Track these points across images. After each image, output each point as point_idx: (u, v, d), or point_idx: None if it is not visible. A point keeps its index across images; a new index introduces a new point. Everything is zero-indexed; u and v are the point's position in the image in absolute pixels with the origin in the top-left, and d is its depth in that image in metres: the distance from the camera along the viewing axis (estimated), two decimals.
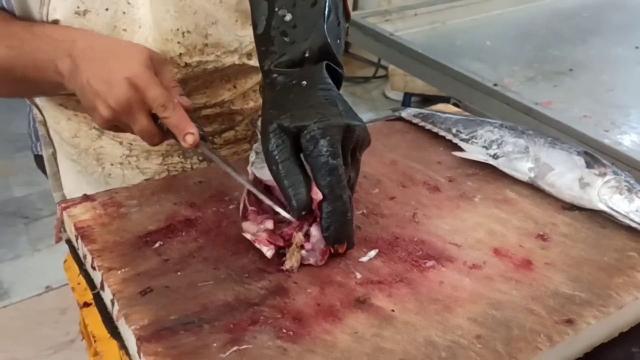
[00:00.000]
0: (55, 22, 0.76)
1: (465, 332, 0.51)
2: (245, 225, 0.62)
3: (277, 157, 0.59)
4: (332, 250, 0.60)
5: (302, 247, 0.59)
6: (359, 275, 0.58)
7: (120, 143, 0.87)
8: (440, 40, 1.59)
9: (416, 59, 1.42)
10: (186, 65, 0.81)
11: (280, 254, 0.59)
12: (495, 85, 1.27)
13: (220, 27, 0.82)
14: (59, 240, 0.69)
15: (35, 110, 0.90)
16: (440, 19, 1.68)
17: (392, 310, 0.54)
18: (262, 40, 0.66)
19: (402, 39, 1.49)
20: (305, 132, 0.58)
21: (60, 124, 0.89)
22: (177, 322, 0.52)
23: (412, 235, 0.64)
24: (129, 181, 0.88)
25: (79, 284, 0.65)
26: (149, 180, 0.82)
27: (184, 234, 0.63)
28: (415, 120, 0.85)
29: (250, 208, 0.63)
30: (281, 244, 0.59)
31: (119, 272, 0.58)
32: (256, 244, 0.59)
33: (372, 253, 0.61)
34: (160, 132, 0.68)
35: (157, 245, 0.62)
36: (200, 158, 0.91)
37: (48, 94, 0.85)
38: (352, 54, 3.19)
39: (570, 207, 0.67)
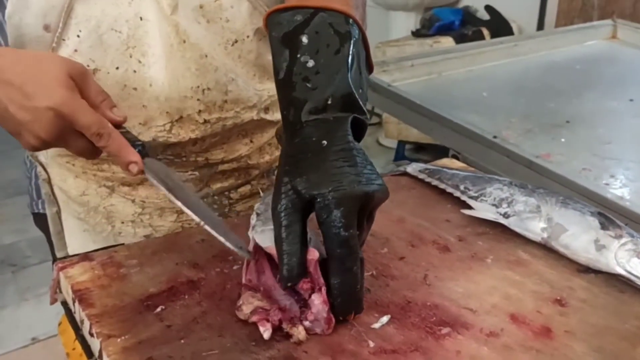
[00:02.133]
0: None
1: None
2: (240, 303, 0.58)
3: (283, 219, 0.57)
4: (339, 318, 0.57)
5: (304, 318, 0.57)
6: (371, 344, 0.55)
7: (133, 201, 0.85)
8: (437, 91, 1.60)
9: (414, 110, 1.42)
10: (205, 122, 0.79)
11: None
12: (494, 137, 1.27)
13: (240, 82, 0.81)
14: (54, 301, 0.66)
15: (39, 168, 0.88)
16: (436, 70, 1.70)
17: None
18: (284, 86, 0.63)
19: (399, 89, 1.49)
20: (319, 199, 0.56)
21: (67, 181, 0.86)
22: None
23: (424, 299, 0.61)
24: (138, 239, 0.86)
25: (74, 349, 0.61)
26: (150, 239, 0.79)
27: (186, 297, 0.61)
28: (421, 176, 0.84)
29: (245, 280, 0.60)
30: (276, 323, 0.56)
31: (119, 339, 0.54)
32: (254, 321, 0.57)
33: (385, 319, 0.59)
34: (99, 153, 0.65)
35: (159, 309, 0.59)
36: (216, 213, 0.88)
37: None
38: None
39: (586, 270, 0.65)
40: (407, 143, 2.67)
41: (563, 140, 1.33)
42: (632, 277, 0.62)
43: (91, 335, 0.56)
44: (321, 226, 0.56)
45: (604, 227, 0.66)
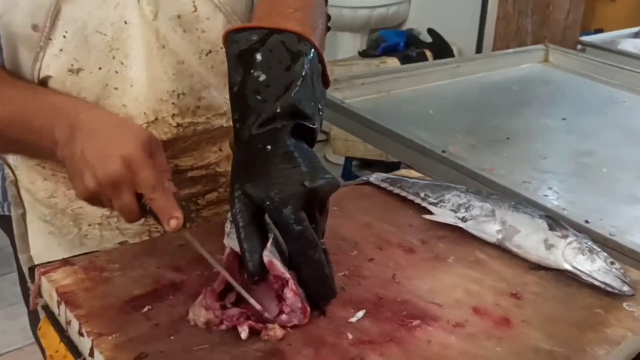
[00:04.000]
0: (47, 78, 0.77)
1: None
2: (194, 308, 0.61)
3: (240, 221, 0.62)
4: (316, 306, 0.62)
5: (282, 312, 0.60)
6: (350, 336, 0.60)
7: None
8: (386, 108, 1.66)
9: (367, 125, 1.48)
10: (178, 125, 0.83)
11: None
12: (443, 152, 1.34)
13: (212, 90, 0.85)
14: (34, 306, 0.67)
15: (7, 170, 0.89)
16: (385, 89, 1.77)
17: None
18: (237, 99, 0.67)
19: (352, 106, 1.56)
20: (268, 202, 0.61)
21: (36, 183, 0.87)
22: None
23: (395, 296, 0.66)
24: (106, 242, 0.87)
25: (57, 351, 0.63)
26: (128, 244, 0.81)
27: (171, 297, 0.63)
28: (384, 185, 0.89)
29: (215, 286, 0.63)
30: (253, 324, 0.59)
31: (110, 337, 0.57)
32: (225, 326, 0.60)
33: (360, 314, 0.63)
34: (140, 211, 0.68)
35: (145, 309, 0.61)
36: (192, 214, 0.91)
37: (38, 158, 0.83)
38: None
39: (537, 267, 0.72)
40: (354, 159, 2.74)
41: (504, 155, 1.42)
42: (578, 272, 0.69)
43: (80, 334, 0.58)
44: (277, 227, 0.61)
45: (551, 228, 0.73)
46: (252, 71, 0.66)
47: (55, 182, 0.86)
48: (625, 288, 0.66)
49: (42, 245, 0.91)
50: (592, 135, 1.51)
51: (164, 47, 0.80)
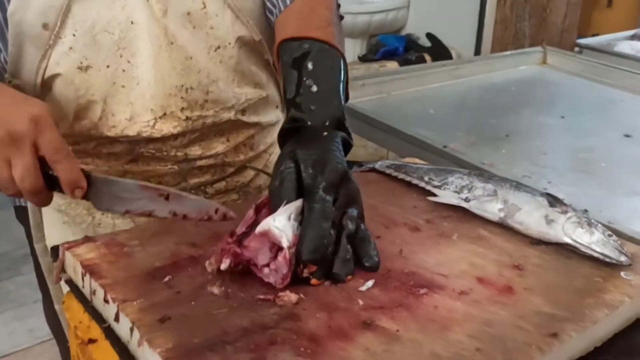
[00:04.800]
0: (55, 76, 0.80)
1: (466, 346, 0.57)
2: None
3: (284, 174, 0.68)
4: (300, 274, 0.64)
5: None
6: (361, 302, 0.63)
7: None
8: (388, 108, 1.70)
9: (370, 124, 1.52)
10: (187, 118, 0.86)
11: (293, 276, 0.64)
12: (444, 147, 1.38)
13: (220, 84, 0.89)
14: (58, 280, 0.70)
15: None
16: (386, 90, 1.81)
17: (397, 331, 0.59)
18: (291, 104, 0.76)
19: (355, 106, 1.60)
20: (311, 170, 0.67)
21: None
22: (201, 344, 0.54)
23: (402, 268, 0.69)
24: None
25: (80, 322, 0.66)
26: (145, 223, 0.84)
27: (190, 269, 0.66)
28: (389, 171, 0.93)
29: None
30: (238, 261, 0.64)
31: (135, 302, 0.60)
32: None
33: (370, 283, 0.66)
34: (43, 180, 0.67)
35: (167, 279, 0.64)
36: None
37: None
38: None
39: (538, 242, 0.75)
40: (354, 163, 2.78)
41: (504, 151, 1.45)
42: (577, 245, 0.72)
43: (106, 301, 0.61)
44: (306, 191, 0.67)
45: (552, 205, 0.76)
46: (304, 79, 0.75)
47: None
48: (623, 258, 0.69)
49: (57, 234, 0.94)
50: (590, 133, 1.54)
51: (172, 43, 0.84)
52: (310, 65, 0.75)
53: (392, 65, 2.52)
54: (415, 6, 2.97)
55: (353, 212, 0.70)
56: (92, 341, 0.63)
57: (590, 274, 0.69)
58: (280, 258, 0.63)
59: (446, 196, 0.84)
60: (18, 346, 1.92)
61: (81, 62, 0.81)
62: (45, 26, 0.79)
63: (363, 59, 2.70)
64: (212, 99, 0.89)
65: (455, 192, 0.83)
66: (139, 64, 0.83)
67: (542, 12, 2.22)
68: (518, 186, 0.80)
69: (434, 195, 0.85)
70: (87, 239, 0.71)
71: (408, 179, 0.90)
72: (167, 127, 0.86)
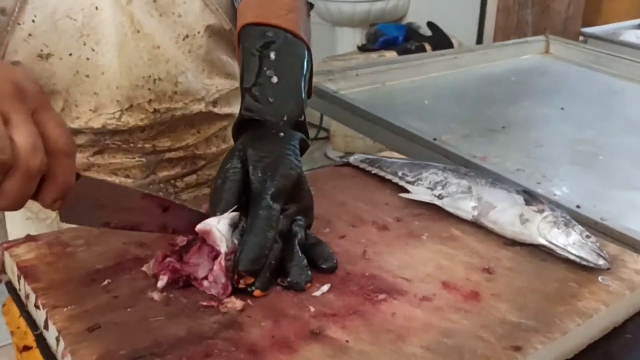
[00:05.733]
0: (14, 64, 0.76)
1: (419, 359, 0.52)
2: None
3: (229, 173, 0.63)
4: (236, 284, 0.59)
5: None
6: (312, 309, 0.58)
7: None
8: (381, 99, 1.65)
9: (359, 115, 1.47)
10: (155, 111, 0.82)
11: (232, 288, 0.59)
12: (434, 139, 1.33)
13: (190, 75, 0.85)
14: None
15: None
16: (380, 80, 1.76)
17: (347, 341, 0.54)
18: (248, 93, 0.70)
19: (345, 96, 1.54)
20: (259, 173, 0.62)
21: None
22: (127, 356, 0.50)
23: (363, 271, 0.65)
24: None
25: (18, 327, 0.62)
26: None
27: (133, 272, 0.62)
28: (363, 165, 0.88)
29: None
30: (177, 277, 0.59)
31: (65, 309, 0.56)
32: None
33: (325, 287, 0.61)
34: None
35: (105, 282, 0.60)
36: (171, 197, 0.91)
37: None
38: None
39: (512, 243, 0.70)
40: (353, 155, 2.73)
41: (499, 143, 1.40)
42: (552, 247, 0.67)
43: (37, 307, 0.57)
44: (254, 192, 0.61)
45: (528, 203, 0.71)
46: (265, 69, 0.70)
47: None
48: (601, 262, 0.64)
49: (20, 231, 0.91)
50: (590, 125, 1.48)
51: (138, 31, 0.80)
52: (272, 55, 0.70)
53: (391, 55, 2.45)
54: None
55: (301, 221, 0.66)
56: (26, 348, 0.59)
57: (564, 278, 0.64)
58: (216, 267, 0.59)
59: (418, 193, 0.79)
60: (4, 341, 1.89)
61: (41, 50, 0.77)
62: (2, 11, 0.75)
63: (362, 48, 2.64)
64: (181, 91, 0.85)
65: (428, 188, 0.79)
66: (105, 52, 0.79)
67: (546, 0, 2.15)
68: (494, 183, 0.75)
69: (407, 191, 0.80)
70: (28, 238, 0.67)
71: (382, 173, 0.85)
72: (133, 120, 0.83)
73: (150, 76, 0.81)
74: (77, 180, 0.54)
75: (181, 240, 0.63)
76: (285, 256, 0.61)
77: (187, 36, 0.84)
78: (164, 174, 0.90)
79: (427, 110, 1.60)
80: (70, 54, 0.78)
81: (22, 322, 0.61)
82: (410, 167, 0.83)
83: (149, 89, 0.82)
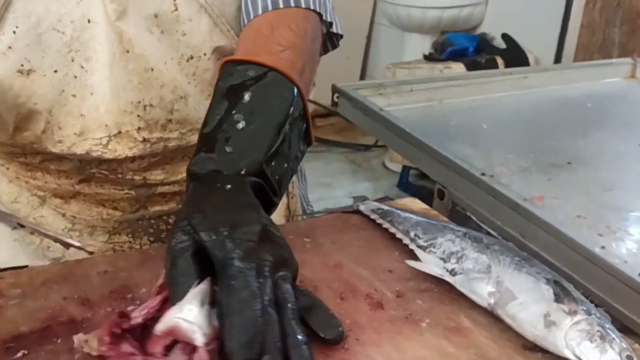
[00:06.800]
0: None
1: None
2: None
3: (176, 251, 0.51)
4: None
5: None
6: None
7: (63, 215, 0.79)
8: (433, 119, 1.51)
9: (403, 137, 1.33)
10: (144, 140, 0.73)
11: None
12: (482, 174, 1.17)
13: (190, 101, 0.74)
14: None
15: None
16: (437, 97, 1.61)
17: None
18: (205, 140, 0.60)
19: (391, 114, 1.41)
20: (214, 237, 0.50)
21: (1, 186, 0.80)
22: None
23: None
24: (69, 257, 0.79)
25: None
26: (49, 264, 0.71)
27: (59, 341, 0.53)
28: (373, 216, 0.75)
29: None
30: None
31: None
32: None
33: None
34: None
35: (20, 354, 0.51)
36: (152, 239, 0.81)
37: None
38: None
39: (532, 347, 0.56)
40: (411, 169, 2.58)
41: (560, 182, 1.23)
42: None
43: None
44: (218, 261, 0.49)
45: (558, 299, 0.56)
46: (233, 112, 0.59)
47: (19, 187, 0.79)
48: None
49: (8, 252, 0.84)
50: None
51: (128, 51, 0.70)
52: (247, 97, 0.59)
53: (458, 67, 2.28)
54: (494, 3, 2.68)
55: (286, 275, 0.54)
56: None
57: None
58: (201, 351, 0.46)
59: (429, 263, 0.65)
60: None
61: (22, 65, 0.69)
62: None
63: (428, 58, 2.47)
64: (177, 119, 0.75)
65: (441, 258, 0.65)
66: (95, 71, 0.70)
67: (637, 19, 1.92)
68: (520, 264, 0.60)
69: (417, 258, 0.67)
70: None
71: (392, 230, 0.72)
72: (121, 148, 0.73)
73: (140, 102, 0.72)
74: None
75: (135, 316, 0.53)
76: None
77: (192, 57, 0.74)
78: (156, 209, 0.80)
79: (484, 136, 1.44)
80: (56, 71, 0.69)
81: None
82: (425, 228, 0.69)
83: (138, 116, 0.72)
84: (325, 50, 0.81)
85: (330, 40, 0.81)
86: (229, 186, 0.55)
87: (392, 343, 0.56)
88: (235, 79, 0.60)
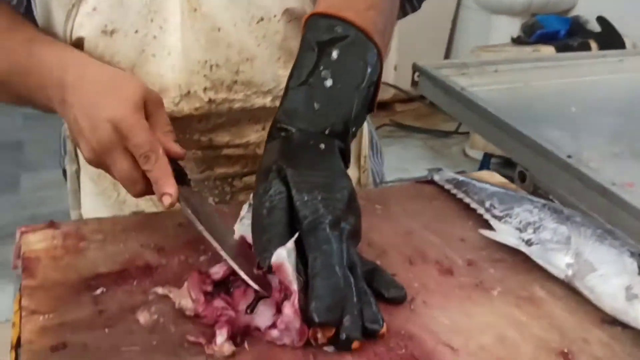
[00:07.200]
0: (80, 40, 0.72)
1: None
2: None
3: (275, 201, 0.53)
4: (313, 340, 0.48)
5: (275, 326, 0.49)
6: None
7: None
8: (518, 101, 1.45)
9: (484, 117, 1.29)
10: (210, 100, 0.75)
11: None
12: (569, 156, 1.12)
13: (257, 64, 0.75)
14: (15, 267, 0.62)
15: (65, 125, 0.87)
16: (523, 79, 1.54)
17: None
18: (290, 94, 0.61)
19: (473, 95, 1.36)
20: (307, 198, 0.53)
21: None
22: None
23: (400, 327, 0.52)
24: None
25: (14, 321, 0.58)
26: (129, 215, 0.74)
27: (135, 282, 0.55)
28: (448, 187, 0.74)
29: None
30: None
31: (41, 317, 0.50)
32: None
33: None
34: (144, 181, 0.61)
35: (98, 291, 0.53)
36: (216, 200, 0.83)
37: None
38: (436, 105, 3.08)
39: (612, 321, 0.53)
40: (492, 156, 2.50)
41: None
42: None
43: (17, 309, 0.52)
44: (307, 222, 0.52)
45: None
46: (320, 67, 0.60)
47: None
48: None
49: (90, 204, 0.89)
50: None
51: (195, 10, 0.72)
52: (335, 54, 0.59)
53: (548, 50, 2.17)
54: None
55: (356, 241, 0.55)
56: (13, 347, 0.55)
57: None
58: (287, 311, 0.48)
59: (504, 232, 0.63)
60: None
61: (106, 25, 0.72)
62: None
63: (516, 41, 2.37)
64: (242, 80, 0.76)
65: (517, 229, 0.62)
66: (172, 31, 0.72)
67: None
68: (603, 236, 0.57)
69: (491, 228, 0.65)
70: (50, 225, 0.62)
71: (467, 200, 0.70)
72: (188, 108, 0.75)
73: (206, 61, 0.73)
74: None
75: (216, 271, 0.54)
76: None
77: (262, 19, 0.74)
78: (221, 170, 0.82)
79: (572, 119, 1.36)
80: (137, 31, 0.72)
81: (17, 316, 0.56)
82: (502, 198, 0.67)
83: (205, 76, 0.73)
84: (404, 13, 0.79)
85: (410, 1, 0.79)
86: (322, 145, 0.57)
87: (459, 307, 0.55)
88: (324, 34, 0.60)
